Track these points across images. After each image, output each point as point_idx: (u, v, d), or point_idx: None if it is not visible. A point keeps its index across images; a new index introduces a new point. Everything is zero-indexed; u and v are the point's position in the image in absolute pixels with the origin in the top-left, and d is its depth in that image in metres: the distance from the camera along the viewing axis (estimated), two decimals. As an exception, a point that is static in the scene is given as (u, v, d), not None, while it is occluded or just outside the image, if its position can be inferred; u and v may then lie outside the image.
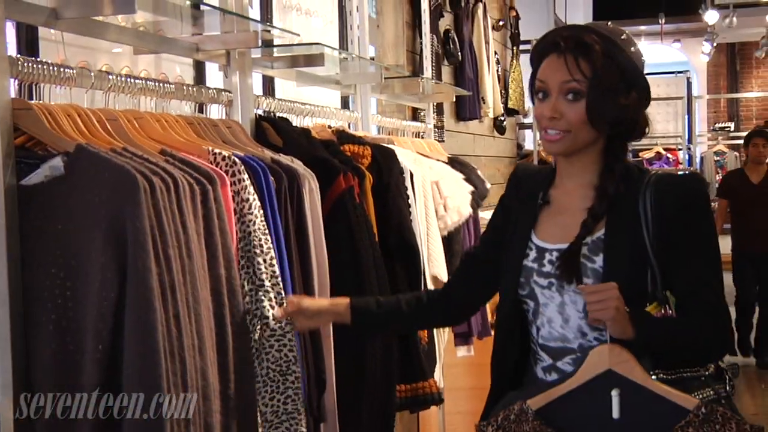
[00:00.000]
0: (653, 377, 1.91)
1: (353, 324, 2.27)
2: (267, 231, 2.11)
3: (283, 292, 2.13)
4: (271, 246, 2.11)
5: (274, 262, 2.12)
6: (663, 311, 1.97)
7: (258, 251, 2.09)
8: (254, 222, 2.08)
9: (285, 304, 2.14)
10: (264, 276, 2.10)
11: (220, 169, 2.06)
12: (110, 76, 2.03)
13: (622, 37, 2.00)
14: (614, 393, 1.89)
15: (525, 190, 2.19)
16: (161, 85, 2.20)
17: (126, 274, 1.68)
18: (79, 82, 1.93)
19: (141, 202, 1.68)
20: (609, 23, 2.06)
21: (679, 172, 2.09)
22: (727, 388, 2.01)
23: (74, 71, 1.91)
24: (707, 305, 1.95)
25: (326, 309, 2.28)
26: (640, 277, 1.96)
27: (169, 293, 1.73)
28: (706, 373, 2.00)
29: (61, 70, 1.87)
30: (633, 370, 1.89)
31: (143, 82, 2.14)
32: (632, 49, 2.00)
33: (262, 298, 2.09)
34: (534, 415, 1.93)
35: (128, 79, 2.08)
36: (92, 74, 1.97)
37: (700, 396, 1.94)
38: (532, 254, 2.09)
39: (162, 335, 1.69)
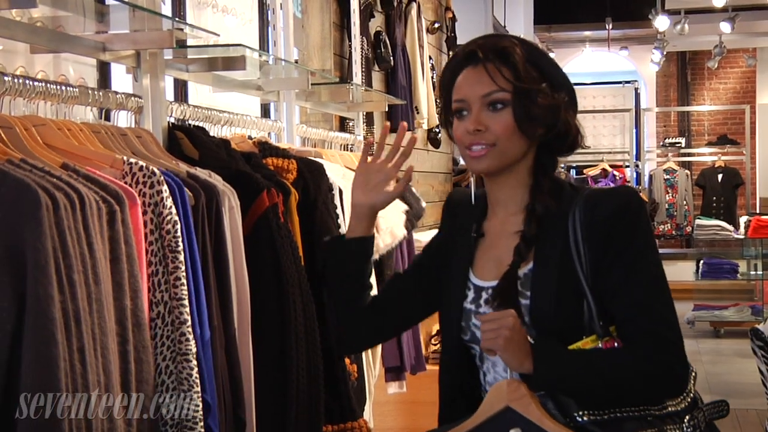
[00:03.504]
0: (581, 418, 1.89)
1: (360, 245, 2.25)
2: (178, 249, 2.08)
3: (186, 315, 2.09)
4: (178, 266, 2.08)
5: (178, 283, 2.09)
6: (614, 343, 1.95)
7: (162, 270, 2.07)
8: (165, 239, 2.06)
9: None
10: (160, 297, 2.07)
11: (137, 180, 2.03)
12: (5, 78, 1.98)
13: (538, 44, 2.06)
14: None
15: (460, 221, 2.21)
16: (63, 88, 2.16)
17: (25, 303, 1.64)
18: (-32, 85, 1.89)
19: (43, 221, 1.65)
20: (521, 35, 2.14)
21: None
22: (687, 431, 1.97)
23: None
24: (645, 333, 1.91)
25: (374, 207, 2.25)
26: (573, 310, 1.95)
27: (73, 324, 1.70)
28: (660, 412, 1.95)
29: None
30: (528, 407, 1.89)
31: (43, 84, 2.10)
32: (551, 54, 2.06)
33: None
34: None
35: (26, 81, 2.04)
36: (-15, 75, 1.93)
37: None
38: (470, 294, 2.11)
39: (64, 372, 1.66)
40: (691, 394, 2.05)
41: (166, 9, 3.29)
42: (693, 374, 2.08)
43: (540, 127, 2.02)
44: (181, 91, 3.53)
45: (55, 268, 1.67)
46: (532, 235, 2.01)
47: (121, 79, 2.95)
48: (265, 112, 4.12)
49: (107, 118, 2.57)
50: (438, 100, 6.93)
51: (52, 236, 1.67)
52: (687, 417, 1.98)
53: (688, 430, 1.97)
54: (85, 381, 1.72)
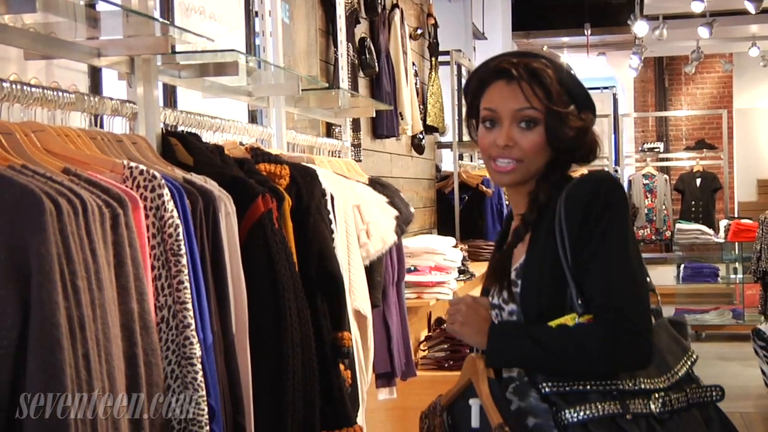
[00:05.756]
0: (544, 389, 2.03)
1: None
2: (181, 253, 2.07)
3: (190, 318, 2.08)
4: (181, 270, 2.08)
5: (181, 287, 2.08)
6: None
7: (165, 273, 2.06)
8: (167, 242, 2.06)
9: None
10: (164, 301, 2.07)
11: (138, 184, 2.03)
12: (4, 84, 1.97)
13: (560, 61, 2.18)
14: (472, 402, 2.15)
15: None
16: (60, 94, 2.15)
17: (29, 310, 1.63)
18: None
19: (47, 227, 1.64)
20: (545, 48, 2.24)
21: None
22: (654, 408, 2.01)
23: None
24: (605, 310, 1.99)
25: None
26: (558, 297, 2.06)
27: (78, 330, 1.69)
28: (629, 387, 2.01)
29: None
30: (478, 381, 2.12)
31: (40, 90, 2.09)
32: (572, 71, 2.16)
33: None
34: (441, 410, 2.25)
35: (24, 87, 2.03)
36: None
37: (568, 412, 1.99)
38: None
39: (70, 378, 1.65)
40: (679, 375, 2.11)
41: (156, 15, 3.28)
42: (692, 357, 2.17)
43: (567, 147, 2.14)
44: (170, 97, 3.51)
45: (59, 273, 1.66)
46: (532, 219, 2.13)
47: (112, 86, 2.94)
48: (253, 118, 4.11)
49: (100, 125, 2.56)
50: (421, 106, 6.93)
51: (56, 242, 1.66)
52: (656, 394, 2.04)
53: (653, 406, 2.03)
54: (90, 387, 1.71)
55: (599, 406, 2.00)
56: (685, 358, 2.16)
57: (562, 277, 2.04)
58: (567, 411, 2.01)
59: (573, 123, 2.11)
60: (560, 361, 2.04)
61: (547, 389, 2.04)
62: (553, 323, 2.03)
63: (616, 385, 2.02)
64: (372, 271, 3.69)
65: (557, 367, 2.05)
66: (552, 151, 2.13)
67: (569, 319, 2.01)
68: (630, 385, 2.03)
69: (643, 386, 2.04)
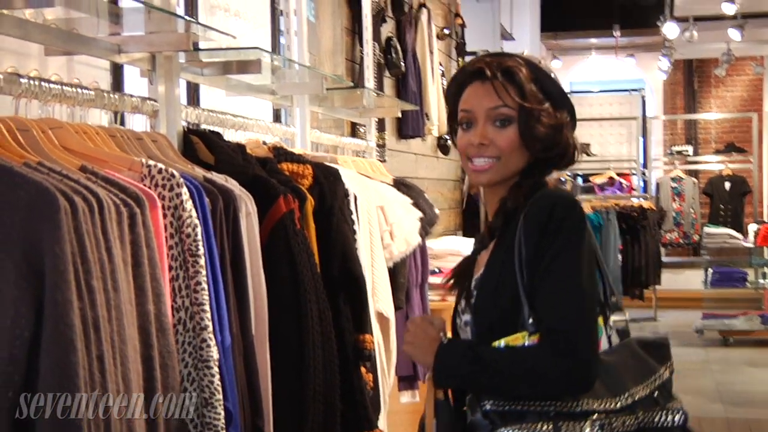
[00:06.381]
0: (486, 406, 2.02)
1: None
2: (199, 253, 2.04)
3: (207, 320, 2.05)
4: (199, 271, 2.05)
5: (199, 288, 2.05)
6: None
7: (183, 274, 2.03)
8: (185, 243, 2.03)
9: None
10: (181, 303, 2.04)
11: (156, 183, 2.00)
12: (21, 79, 1.94)
13: (541, 63, 2.17)
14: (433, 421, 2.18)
15: None
16: (79, 90, 2.12)
17: (43, 309, 1.60)
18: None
19: (61, 225, 1.61)
20: (525, 52, 2.23)
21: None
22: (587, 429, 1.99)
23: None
24: (548, 332, 1.97)
25: None
26: (511, 313, 2.03)
27: (92, 331, 1.66)
28: (570, 409, 1.99)
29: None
30: (428, 399, 2.18)
31: (59, 87, 2.06)
32: (552, 74, 2.16)
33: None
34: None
35: (42, 83, 2.00)
36: (1, 77, 1.88)
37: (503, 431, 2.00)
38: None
39: (83, 380, 1.62)
40: (635, 397, 2.06)
41: (179, 12, 3.25)
42: (659, 379, 2.12)
43: (545, 146, 2.12)
44: (193, 94, 3.49)
45: (74, 273, 1.63)
46: (497, 226, 2.13)
47: (134, 83, 2.91)
48: (277, 117, 4.08)
49: (122, 123, 2.53)
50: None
51: (71, 241, 1.63)
52: (596, 416, 2.00)
53: (588, 429, 1.99)
54: (104, 389, 1.68)
55: (532, 427, 1.99)
56: (649, 381, 2.11)
57: (517, 294, 2.02)
58: (502, 430, 2.01)
59: (546, 120, 2.10)
60: (503, 384, 2.03)
61: (488, 407, 2.03)
62: (503, 341, 2.03)
63: (555, 406, 2.00)
64: (395, 272, 3.65)
65: (500, 389, 2.03)
66: (527, 150, 2.12)
67: (520, 338, 2.00)
68: (570, 406, 2.00)
69: (584, 408, 2.00)
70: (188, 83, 3.39)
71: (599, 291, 2.11)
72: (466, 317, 2.16)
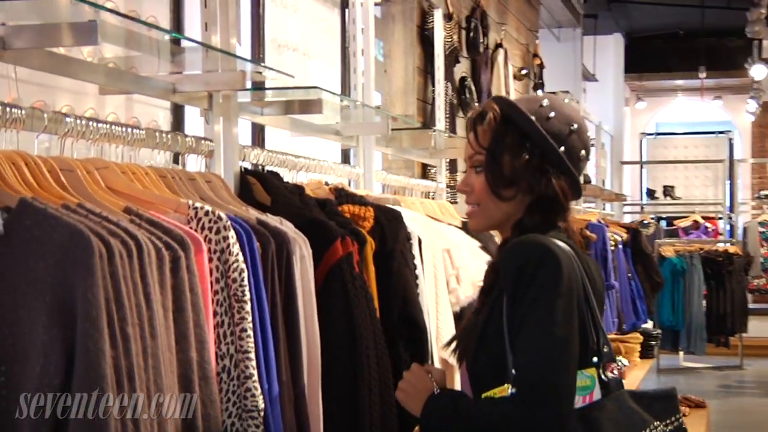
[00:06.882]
0: None
1: None
2: (245, 299, 1.98)
3: (252, 369, 1.99)
4: (245, 317, 1.98)
5: (244, 335, 1.99)
6: None
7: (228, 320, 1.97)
8: (231, 287, 1.97)
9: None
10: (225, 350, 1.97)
11: (203, 225, 1.95)
12: (67, 119, 1.91)
13: (543, 103, 2.07)
14: None
15: None
16: (128, 130, 2.08)
17: (74, 357, 1.55)
18: (28, 125, 1.81)
19: (95, 269, 1.56)
20: (539, 92, 2.17)
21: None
22: None
23: (23, 111, 1.79)
24: (522, 387, 1.92)
25: None
26: (497, 362, 1.98)
27: (125, 380, 1.60)
28: None
29: (7, 109, 1.75)
30: None
31: (107, 126, 2.02)
32: (550, 113, 2.06)
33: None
34: None
35: (89, 123, 1.96)
36: (45, 116, 1.85)
37: None
38: None
39: (115, 430, 1.55)
40: None
41: (243, 51, 3.22)
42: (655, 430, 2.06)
43: (508, 189, 2.06)
44: (258, 135, 3.45)
45: (107, 320, 1.57)
46: (488, 285, 2.09)
47: (195, 123, 2.88)
48: (345, 158, 4.02)
49: (183, 164, 2.49)
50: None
51: (105, 286, 1.58)
52: None
53: None
54: (139, 444, 1.62)
55: None
56: None
57: (503, 344, 1.98)
58: None
59: (507, 161, 2.05)
60: None
61: None
62: (487, 394, 2.00)
63: None
64: (463, 318, 3.55)
65: None
66: (493, 194, 2.07)
67: (506, 389, 1.96)
68: None
69: None
70: (253, 124, 3.36)
71: (591, 339, 2.02)
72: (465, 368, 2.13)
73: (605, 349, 2.04)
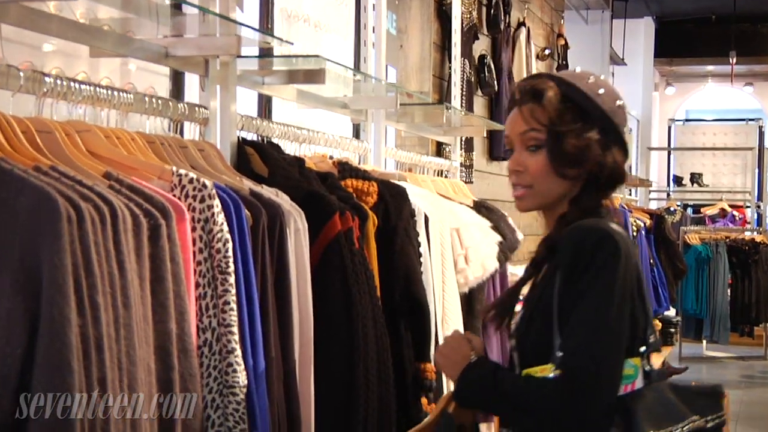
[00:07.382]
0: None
1: None
2: (229, 270, 1.90)
3: (234, 343, 1.91)
4: (228, 289, 1.91)
5: (227, 308, 1.91)
6: None
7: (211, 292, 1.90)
8: (215, 258, 1.89)
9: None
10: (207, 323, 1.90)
11: (186, 193, 1.87)
12: (46, 78, 1.83)
13: (589, 80, 2.06)
14: None
15: None
16: (114, 93, 2.00)
17: (38, 325, 1.47)
18: (3, 83, 1.73)
19: (62, 234, 1.48)
20: (578, 68, 2.16)
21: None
22: None
23: (-5, 68, 1.71)
24: (567, 369, 1.89)
25: None
26: (544, 339, 1.95)
27: (93, 351, 1.53)
28: None
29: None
30: (436, 407, 2.16)
31: (91, 88, 1.94)
32: (599, 90, 2.04)
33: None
34: None
35: (71, 84, 1.88)
36: (22, 74, 1.77)
37: None
38: None
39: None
40: None
41: (249, 19, 3.13)
42: (688, 425, 1.99)
43: (574, 168, 2.02)
44: (264, 107, 3.37)
45: (75, 287, 1.50)
46: (540, 259, 2.06)
47: (195, 91, 2.81)
48: (357, 133, 3.94)
49: (180, 132, 2.42)
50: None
51: (74, 252, 1.50)
52: None
53: None
54: (106, 420, 1.54)
55: None
56: (672, 426, 1.97)
57: (551, 325, 1.95)
58: None
59: (574, 141, 2.01)
60: (515, 413, 1.99)
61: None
62: (528, 371, 1.97)
63: None
64: (472, 299, 3.47)
65: (513, 418, 2.03)
66: (555, 174, 2.03)
67: (547, 369, 1.93)
68: None
69: None
70: (259, 96, 3.28)
71: (640, 328, 1.98)
72: (512, 342, 2.09)
73: (651, 339, 2.00)
